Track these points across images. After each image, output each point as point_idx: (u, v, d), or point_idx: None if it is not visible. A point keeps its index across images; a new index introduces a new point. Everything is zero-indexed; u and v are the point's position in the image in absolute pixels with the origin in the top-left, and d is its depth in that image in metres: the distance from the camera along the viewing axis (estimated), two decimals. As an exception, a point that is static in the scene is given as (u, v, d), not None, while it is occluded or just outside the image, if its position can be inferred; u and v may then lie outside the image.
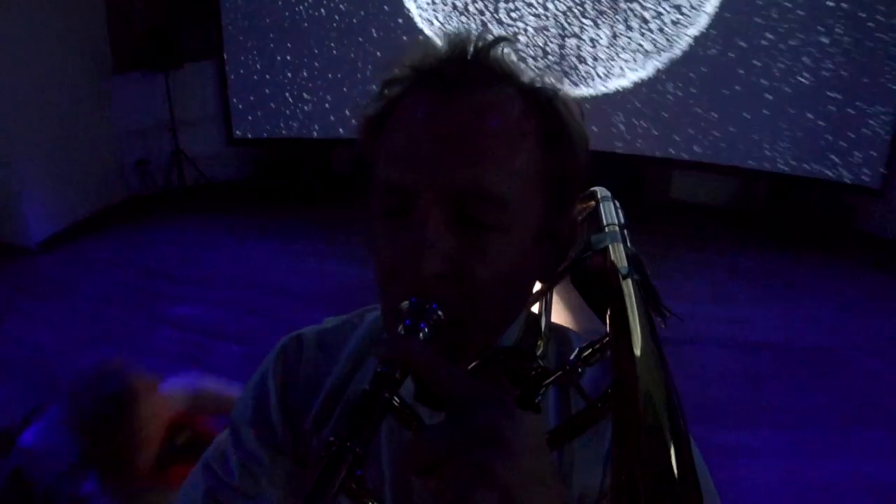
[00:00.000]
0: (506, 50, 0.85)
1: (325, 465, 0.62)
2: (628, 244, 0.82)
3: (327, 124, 8.26)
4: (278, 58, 8.17)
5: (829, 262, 6.92)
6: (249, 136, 8.50)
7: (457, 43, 0.85)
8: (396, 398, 0.71)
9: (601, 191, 0.91)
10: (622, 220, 0.86)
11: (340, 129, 8.12)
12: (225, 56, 8.21)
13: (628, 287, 0.77)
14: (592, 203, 0.89)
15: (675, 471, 0.58)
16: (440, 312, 0.77)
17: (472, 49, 0.84)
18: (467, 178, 0.78)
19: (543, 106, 0.84)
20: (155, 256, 6.92)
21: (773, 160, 7.34)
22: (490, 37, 0.85)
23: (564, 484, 0.74)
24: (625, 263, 0.80)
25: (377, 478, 0.93)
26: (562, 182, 0.85)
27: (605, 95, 7.52)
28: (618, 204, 0.88)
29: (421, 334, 0.75)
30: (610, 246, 0.83)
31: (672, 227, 7.43)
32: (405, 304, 0.78)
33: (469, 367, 0.81)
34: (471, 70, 0.83)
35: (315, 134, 8.32)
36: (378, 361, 0.71)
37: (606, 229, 0.85)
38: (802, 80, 7.04)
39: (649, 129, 7.57)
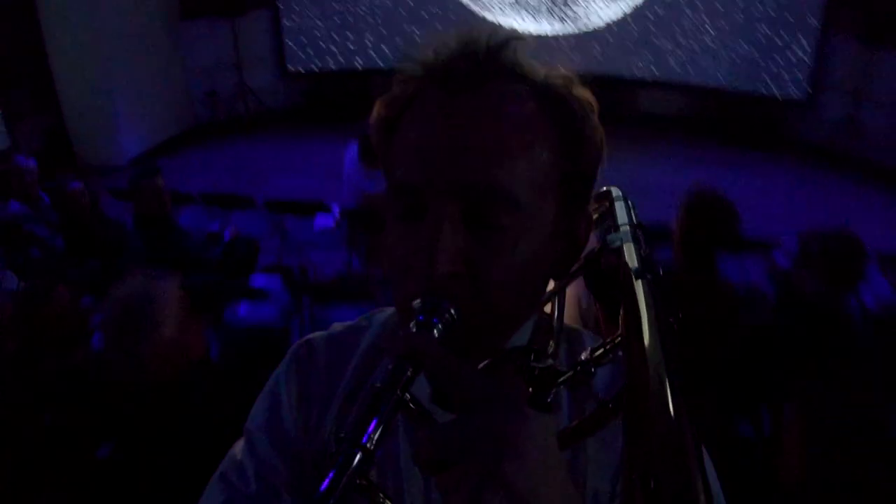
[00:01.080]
0: (518, 48, 0.64)
1: (336, 462, 0.48)
2: (641, 244, 0.62)
3: (368, 59, 8.30)
4: (325, 5, 8.14)
5: (761, 154, 7.08)
6: (301, 70, 8.31)
7: (468, 41, 0.64)
8: (409, 396, 0.54)
9: (615, 190, 0.69)
10: (636, 220, 0.64)
11: (380, 63, 8.15)
12: (280, 6, 8.08)
13: (641, 287, 0.59)
14: (606, 203, 0.67)
15: (687, 474, 0.45)
16: (452, 311, 0.59)
17: (483, 47, 0.63)
18: (480, 178, 0.59)
19: (557, 104, 0.64)
20: (239, 162, 6.80)
21: (717, 80, 7.62)
22: (502, 35, 0.64)
23: (577, 485, 0.57)
24: (637, 263, 0.60)
25: (396, 477, 0.75)
26: (576, 182, 0.65)
27: (585, 32, 7.82)
28: (631, 203, 0.66)
29: (434, 331, 0.58)
30: (623, 246, 0.62)
31: (642, 131, 7.43)
32: (417, 301, 0.60)
33: (480, 366, 0.63)
34: (483, 69, 0.62)
35: (358, 66, 8.30)
36: (390, 358, 0.54)
37: (620, 229, 0.64)
38: (737, 17, 7.32)
39: (618, 56, 7.86)
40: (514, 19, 7.58)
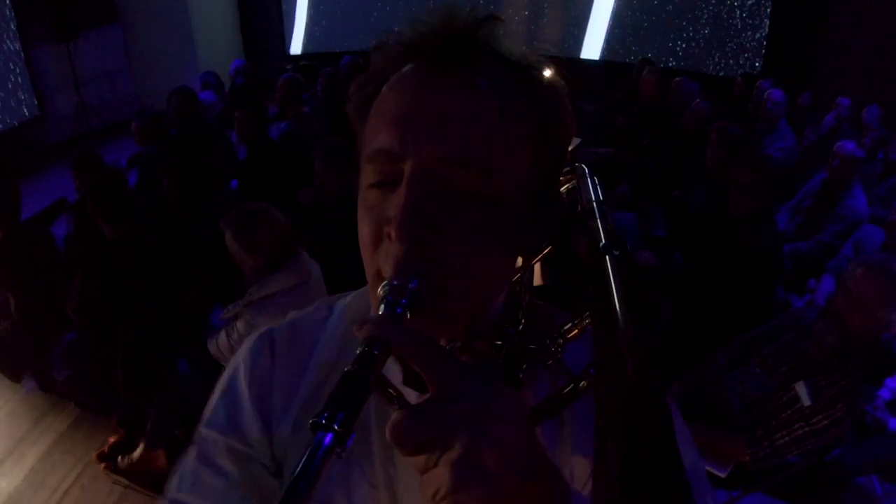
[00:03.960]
0: (496, 28, 0.64)
1: (308, 447, 0.46)
2: (608, 220, 0.61)
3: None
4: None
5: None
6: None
7: (447, 18, 0.63)
8: (380, 378, 0.54)
9: (581, 167, 0.69)
10: (601, 197, 0.64)
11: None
12: None
13: (609, 262, 0.58)
14: (574, 180, 0.67)
15: (656, 442, 0.44)
16: (421, 289, 0.58)
17: (463, 25, 0.63)
18: (456, 148, 0.59)
19: (532, 85, 0.64)
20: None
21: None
22: (480, 14, 0.63)
23: (553, 458, 0.57)
24: (605, 239, 0.60)
25: (365, 460, 0.73)
26: (548, 160, 0.65)
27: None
28: (597, 180, 0.66)
29: (402, 311, 0.56)
30: (590, 222, 0.62)
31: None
32: (384, 285, 0.58)
33: (451, 345, 0.63)
34: (460, 47, 0.62)
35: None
36: (360, 342, 0.53)
37: (586, 205, 0.63)
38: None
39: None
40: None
